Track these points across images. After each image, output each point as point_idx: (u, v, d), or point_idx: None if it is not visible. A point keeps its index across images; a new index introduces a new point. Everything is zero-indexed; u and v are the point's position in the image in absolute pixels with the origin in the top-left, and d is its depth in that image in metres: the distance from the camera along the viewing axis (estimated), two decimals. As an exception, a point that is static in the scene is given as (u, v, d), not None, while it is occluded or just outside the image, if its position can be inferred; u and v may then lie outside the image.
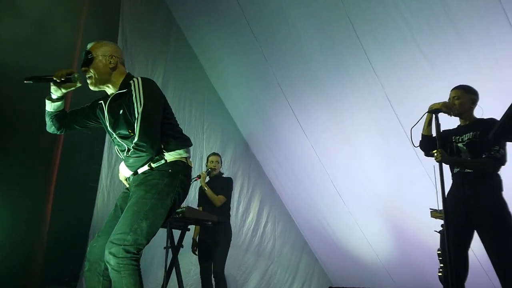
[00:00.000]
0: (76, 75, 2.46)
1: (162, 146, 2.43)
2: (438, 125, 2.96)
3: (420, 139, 3.23)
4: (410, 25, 4.34)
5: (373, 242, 5.95)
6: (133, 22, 5.89)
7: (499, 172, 3.06)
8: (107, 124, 2.52)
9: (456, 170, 3.12)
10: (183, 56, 6.38)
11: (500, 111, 2.41)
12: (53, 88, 2.50)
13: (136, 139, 2.33)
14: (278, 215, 6.94)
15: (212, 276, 4.64)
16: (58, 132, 2.65)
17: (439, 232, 4.65)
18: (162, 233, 4.59)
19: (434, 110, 3.01)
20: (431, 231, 4.74)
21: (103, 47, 2.50)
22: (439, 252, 4.62)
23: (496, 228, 2.91)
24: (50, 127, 2.62)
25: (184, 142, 2.52)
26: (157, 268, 5.42)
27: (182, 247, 4.30)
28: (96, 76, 2.47)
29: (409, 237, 5.48)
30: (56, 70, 2.50)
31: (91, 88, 2.52)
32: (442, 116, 3.04)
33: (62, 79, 2.44)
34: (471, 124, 3.14)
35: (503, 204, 2.97)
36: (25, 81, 2.42)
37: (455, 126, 3.26)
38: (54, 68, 2.53)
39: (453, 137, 3.17)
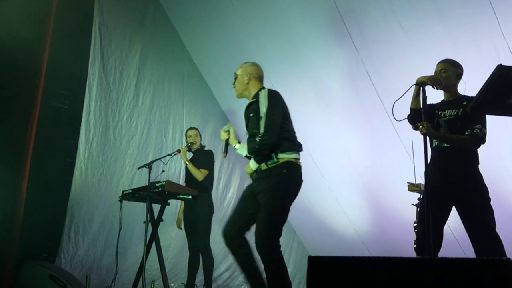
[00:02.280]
0: (225, 138, 3.25)
1: (278, 149, 2.97)
2: (424, 98, 2.96)
3: (408, 112, 3.24)
4: (390, 0, 4.32)
5: (351, 216, 6.06)
6: (109, -6, 5.72)
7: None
8: (246, 129, 3.17)
9: (434, 144, 3.15)
10: (161, 29, 6.24)
11: (478, 86, 2.44)
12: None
13: (261, 132, 2.93)
14: (258, 190, 6.98)
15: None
16: None
17: (415, 205, 4.77)
18: (141, 207, 4.63)
19: (420, 83, 3.00)
20: (408, 205, 4.85)
21: (241, 68, 3.26)
22: (415, 224, 4.75)
23: (472, 201, 2.97)
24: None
25: (297, 147, 3.07)
26: (137, 242, 5.43)
27: (162, 221, 4.31)
28: (237, 89, 3.22)
29: (386, 211, 5.59)
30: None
31: (237, 97, 3.29)
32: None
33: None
34: (454, 100, 3.16)
35: (480, 178, 3.03)
36: (225, 155, 3.30)
37: (439, 101, 3.27)
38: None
39: (436, 111, 3.19)
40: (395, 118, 3.03)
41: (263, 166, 2.99)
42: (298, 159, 3.05)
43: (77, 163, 5.27)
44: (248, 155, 3.11)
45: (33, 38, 4.47)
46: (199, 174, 4.70)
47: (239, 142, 3.24)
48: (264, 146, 2.92)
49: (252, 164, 3.01)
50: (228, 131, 3.25)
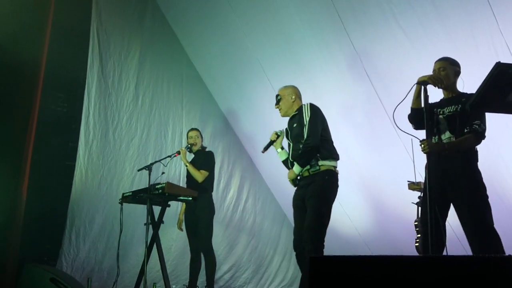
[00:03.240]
0: (272, 139, 3.62)
1: (319, 155, 3.32)
2: (426, 97, 2.95)
3: (409, 112, 3.23)
4: (389, 0, 4.33)
5: (352, 215, 6.06)
6: (107, -4, 5.73)
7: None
8: (288, 138, 3.57)
9: (434, 141, 3.15)
10: (159, 31, 6.24)
11: (477, 85, 2.44)
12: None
13: (304, 139, 3.30)
14: (258, 191, 6.98)
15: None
16: None
17: (416, 204, 4.77)
18: (142, 209, 4.63)
19: (422, 82, 3.00)
20: (408, 204, 4.86)
21: (285, 90, 3.72)
22: (416, 223, 4.75)
23: (470, 199, 2.97)
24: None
25: (335, 155, 3.42)
26: (137, 244, 5.42)
27: (163, 223, 4.31)
28: (283, 108, 3.65)
29: (387, 210, 5.59)
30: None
31: (282, 116, 3.70)
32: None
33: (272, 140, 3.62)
34: (454, 97, 3.16)
35: (478, 176, 3.03)
36: (263, 152, 3.66)
37: (438, 100, 3.27)
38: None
39: (435, 109, 3.19)
40: (397, 126, 2.99)
41: (305, 173, 3.35)
42: (336, 166, 3.42)
43: (77, 165, 5.26)
44: (290, 160, 3.48)
45: (30, 41, 4.48)
46: (199, 175, 4.70)
47: (282, 148, 3.63)
48: (308, 148, 3.28)
49: (296, 169, 3.33)
50: (279, 136, 3.63)
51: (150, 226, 4.17)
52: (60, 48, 5.10)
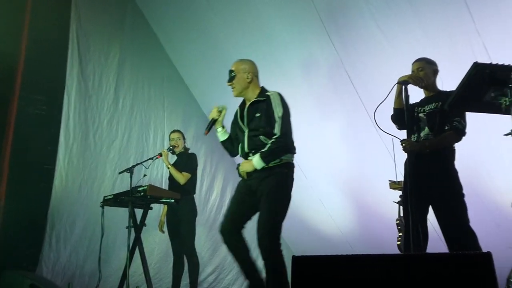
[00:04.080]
0: (215, 118, 3.28)
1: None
2: (407, 97, 3.01)
3: (392, 113, 3.27)
4: (367, 0, 4.37)
5: (334, 215, 6.10)
6: (86, -4, 5.66)
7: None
8: (243, 124, 3.20)
9: (413, 139, 3.19)
10: (140, 33, 6.18)
11: (455, 85, 2.48)
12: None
13: (277, 136, 3.01)
14: (241, 192, 6.96)
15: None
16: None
17: (397, 202, 4.83)
18: (124, 212, 4.57)
19: (403, 82, 3.05)
20: (390, 202, 4.90)
21: (241, 65, 3.28)
22: (398, 221, 4.81)
23: (446, 198, 3.02)
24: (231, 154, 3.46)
25: (294, 149, 3.17)
26: (120, 248, 5.36)
27: (145, 225, 4.27)
28: (237, 87, 3.22)
29: (369, 209, 5.64)
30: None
31: (235, 95, 3.28)
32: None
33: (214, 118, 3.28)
34: (434, 95, 3.23)
35: (455, 175, 3.08)
36: (206, 133, 3.36)
37: (419, 100, 3.32)
38: None
39: (416, 108, 3.25)
40: (378, 126, 3.03)
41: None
42: (293, 159, 3.20)
43: (57, 169, 5.18)
44: (246, 150, 3.17)
45: (5, 43, 4.40)
46: (181, 178, 4.67)
47: (223, 127, 3.31)
48: (280, 148, 3.03)
49: (258, 164, 3.04)
50: (221, 112, 3.28)
51: (132, 229, 4.12)
52: (38, 50, 5.02)
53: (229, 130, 3.37)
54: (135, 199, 4.11)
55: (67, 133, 5.30)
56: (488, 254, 1.61)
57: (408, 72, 3.25)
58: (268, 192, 3.01)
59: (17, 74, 4.55)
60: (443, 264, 1.67)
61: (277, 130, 3.04)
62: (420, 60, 3.26)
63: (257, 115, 3.13)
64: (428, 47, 4.10)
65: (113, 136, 5.75)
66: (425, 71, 3.21)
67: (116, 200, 4.23)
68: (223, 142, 3.38)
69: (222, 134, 3.33)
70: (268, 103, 3.12)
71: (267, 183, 3.02)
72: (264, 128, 3.08)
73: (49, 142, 5.24)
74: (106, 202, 4.30)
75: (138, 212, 4.28)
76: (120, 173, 4.78)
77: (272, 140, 3.02)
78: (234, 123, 3.35)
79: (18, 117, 4.60)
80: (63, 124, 5.27)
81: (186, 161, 4.84)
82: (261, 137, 3.07)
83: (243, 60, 3.33)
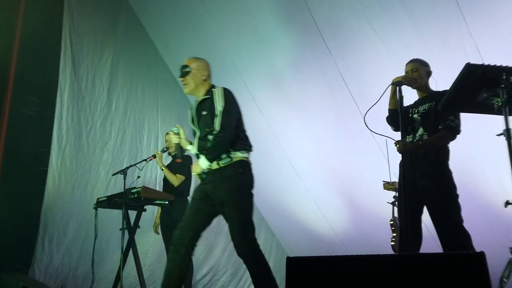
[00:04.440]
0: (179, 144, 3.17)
1: (232, 146, 2.91)
2: (401, 98, 3.01)
3: (387, 114, 3.28)
4: (361, 2, 4.39)
5: (329, 216, 6.11)
6: (79, -2, 5.63)
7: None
8: (194, 126, 3.08)
9: (408, 140, 3.21)
10: (134, 34, 6.17)
11: (448, 85, 2.49)
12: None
13: (216, 131, 2.85)
14: (235, 193, 6.96)
15: None
16: None
17: (391, 203, 4.84)
18: (117, 214, 4.55)
19: (397, 83, 3.06)
20: (384, 203, 4.92)
21: (195, 62, 3.16)
22: (392, 222, 4.82)
23: (440, 199, 3.02)
24: None
25: (249, 147, 3.02)
26: (113, 250, 5.33)
27: (139, 227, 4.25)
28: (189, 84, 3.10)
29: (363, 210, 5.66)
30: None
31: (187, 93, 3.19)
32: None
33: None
34: (427, 96, 3.24)
35: (449, 175, 3.09)
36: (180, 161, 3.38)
37: (412, 102, 3.34)
38: None
39: (410, 109, 3.26)
40: (368, 128, 3.04)
41: (214, 165, 2.91)
42: (248, 158, 3.02)
43: (50, 171, 5.14)
44: (196, 152, 3.02)
45: (-2, 44, 4.37)
46: (175, 180, 4.66)
47: (191, 143, 3.14)
48: (219, 144, 2.86)
49: (204, 163, 2.89)
50: (178, 133, 3.16)
51: (126, 231, 4.10)
52: (30, 52, 4.99)
53: None
54: (129, 201, 4.09)
55: (60, 135, 5.27)
56: (481, 254, 1.62)
57: (402, 73, 3.27)
58: (227, 200, 2.87)
59: (10, 75, 4.53)
60: (437, 264, 1.68)
61: (216, 125, 2.88)
62: (414, 61, 3.28)
63: (204, 113, 3.00)
64: (421, 49, 4.13)
65: (106, 138, 5.73)
66: (418, 72, 3.23)
67: (109, 202, 4.21)
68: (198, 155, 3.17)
69: (194, 149, 3.14)
70: (212, 99, 2.99)
71: (223, 190, 2.88)
72: (210, 127, 2.93)
73: (42, 144, 5.21)
74: (100, 204, 4.27)
75: (132, 214, 4.26)
76: (113, 174, 4.75)
77: (212, 136, 2.87)
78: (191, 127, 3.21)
79: (10, 118, 4.58)
80: (56, 126, 5.24)
81: (180, 163, 4.82)
82: (209, 137, 2.90)
83: (198, 57, 3.21)
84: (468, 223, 2.98)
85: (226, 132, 2.87)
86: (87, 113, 5.58)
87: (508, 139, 2.31)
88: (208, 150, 2.89)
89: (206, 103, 3.02)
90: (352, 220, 5.95)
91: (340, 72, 4.90)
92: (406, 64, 3.29)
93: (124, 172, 4.36)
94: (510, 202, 2.44)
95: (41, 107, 5.29)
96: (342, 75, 4.91)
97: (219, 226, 6.65)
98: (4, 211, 4.53)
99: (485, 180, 4.51)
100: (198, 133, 3.05)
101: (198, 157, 2.99)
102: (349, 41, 4.70)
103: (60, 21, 5.44)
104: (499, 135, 2.34)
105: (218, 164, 2.90)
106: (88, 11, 5.75)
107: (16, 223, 4.74)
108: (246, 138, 3.05)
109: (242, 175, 2.91)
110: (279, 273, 6.80)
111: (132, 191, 4.07)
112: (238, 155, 2.93)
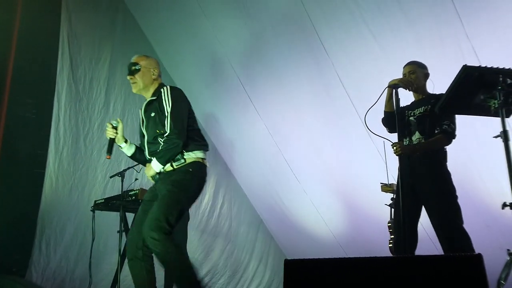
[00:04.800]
0: (112, 136, 3.00)
1: (184, 147, 2.81)
2: (397, 100, 3.02)
3: (383, 116, 3.28)
4: (359, 4, 4.39)
5: (327, 218, 6.10)
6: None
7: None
8: (143, 128, 2.97)
9: (405, 143, 3.21)
10: (131, 36, 6.16)
11: (445, 87, 2.50)
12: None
13: (167, 132, 2.75)
14: (234, 196, 6.96)
15: None
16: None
17: (389, 205, 4.84)
18: (115, 217, 4.54)
19: (393, 85, 3.06)
20: (382, 205, 4.92)
21: (146, 60, 2.99)
22: (390, 224, 4.82)
23: (440, 201, 3.03)
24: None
25: (203, 146, 2.94)
26: (111, 252, 5.31)
27: (137, 230, 4.23)
28: (139, 83, 2.97)
29: (361, 212, 5.65)
30: None
31: (135, 91, 3.03)
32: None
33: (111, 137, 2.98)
34: (424, 99, 3.25)
35: (447, 177, 3.09)
36: (108, 157, 3.05)
37: (409, 103, 3.35)
38: None
39: (406, 112, 3.26)
40: (369, 129, 3.04)
41: (168, 168, 2.82)
42: (205, 158, 2.93)
43: (47, 173, 5.13)
44: (148, 157, 2.92)
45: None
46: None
47: (126, 141, 3.02)
48: (171, 146, 2.75)
49: (156, 166, 2.79)
50: (116, 128, 2.99)
51: (124, 234, 4.09)
52: (28, 53, 4.98)
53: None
54: (127, 203, 4.09)
55: (58, 137, 5.26)
56: (479, 256, 1.62)
57: (399, 75, 3.27)
58: (162, 188, 2.75)
59: (7, 77, 4.52)
60: (435, 266, 1.68)
61: (166, 127, 2.77)
62: (411, 64, 3.28)
63: (152, 115, 2.90)
64: (418, 51, 4.14)
65: (104, 140, 5.70)
66: (416, 74, 3.23)
67: (107, 204, 4.20)
68: (132, 157, 3.08)
69: (127, 149, 3.03)
70: (160, 100, 2.88)
71: (165, 184, 2.76)
72: (160, 129, 2.82)
73: (39, 146, 5.21)
74: (97, 206, 4.27)
75: (130, 216, 4.25)
76: (111, 177, 4.74)
77: (164, 139, 2.77)
78: (139, 129, 3.08)
79: (7, 120, 4.57)
80: (53, 128, 5.23)
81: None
82: (160, 139, 2.80)
83: (148, 56, 3.07)
84: (466, 225, 2.99)
85: (177, 133, 2.76)
86: (85, 115, 5.57)
87: (505, 141, 2.31)
88: (159, 153, 2.78)
89: (155, 104, 2.91)
90: (350, 222, 5.95)
91: (337, 73, 4.90)
92: (404, 66, 3.30)
93: (121, 174, 4.36)
94: (508, 203, 2.44)
95: (38, 109, 5.28)
96: (340, 77, 4.91)
97: (217, 229, 6.68)
98: (1, 213, 4.51)
99: (482, 182, 4.51)
100: (147, 137, 2.94)
101: (149, 160, 2.88)
102: (346, 43, 4.71)
103: (57, 23, 5.44)
104: (496, 137, 2.35)
105: (172, 166, 2.81)
106: (85, 13, 5.74)
107: (13, 225, 4.72)
108: (199, 137, 2.95)
109: (189, 174, 2.80)
110: (277, 276, 6.82)
111: (129, 193, 4.07)
112: (192, 156, 2.84)
